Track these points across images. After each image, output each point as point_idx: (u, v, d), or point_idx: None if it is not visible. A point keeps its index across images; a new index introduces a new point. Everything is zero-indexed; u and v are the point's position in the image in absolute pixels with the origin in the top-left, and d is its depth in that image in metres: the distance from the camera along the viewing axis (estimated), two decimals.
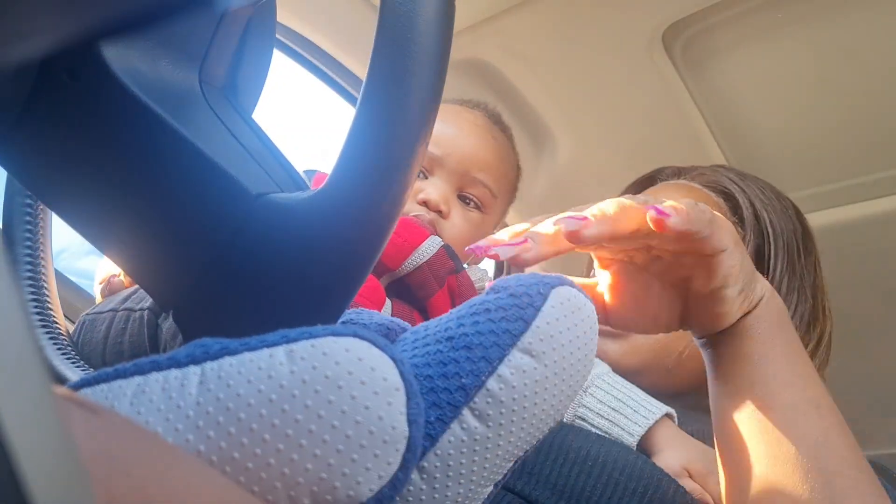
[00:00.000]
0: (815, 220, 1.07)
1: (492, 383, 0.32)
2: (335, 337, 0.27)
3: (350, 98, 1.13)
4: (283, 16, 1.01)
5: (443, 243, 0.71)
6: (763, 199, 0.78)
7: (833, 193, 1.05)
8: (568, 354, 0.34)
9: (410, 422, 0.28)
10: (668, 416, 0.64)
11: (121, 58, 0.34)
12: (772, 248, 0.74)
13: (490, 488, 0.34)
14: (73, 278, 1.16)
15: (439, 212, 0.76)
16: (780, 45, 0.91)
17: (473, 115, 0.83)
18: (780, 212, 0.77)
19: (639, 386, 0.67)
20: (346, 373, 0.27)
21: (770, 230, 0.75)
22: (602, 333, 0.72)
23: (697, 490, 0.58)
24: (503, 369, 0.33)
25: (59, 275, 0.51)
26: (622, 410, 0.62)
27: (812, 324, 0.75)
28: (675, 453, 0.61)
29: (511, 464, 0.35)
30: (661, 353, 0.72)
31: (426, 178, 0.78)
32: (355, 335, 0.28)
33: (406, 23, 0.32)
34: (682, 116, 1.04)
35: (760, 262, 0.74)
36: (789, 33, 0.90)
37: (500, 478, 0.34)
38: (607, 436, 0.61)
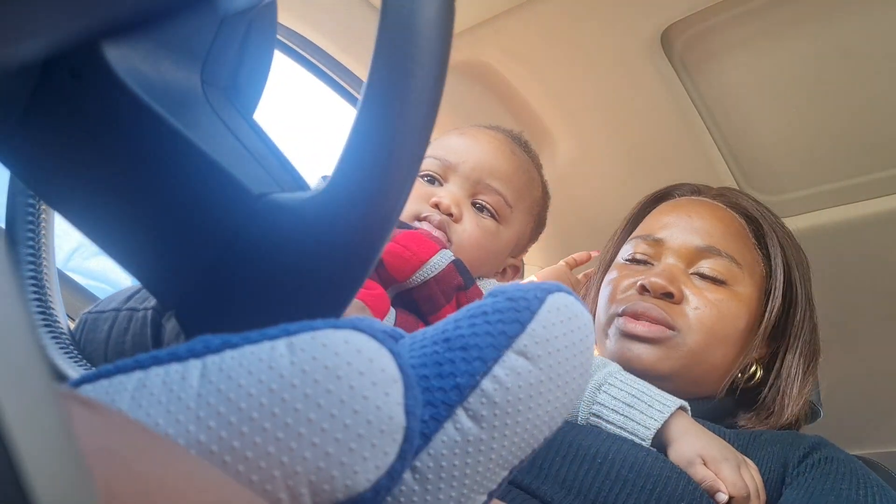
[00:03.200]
0: (814, 220, 1.08)
1: (486, 383, 0.33)
2: (335, 329, 0.28)
3: (351, 98, 1.14)
4: (285, 17, 1.01)
5: (453, 258, 0.70)
6: (779, 227, 0.82)
7: (832, 193, 1.05)
8: (563, 360, 0.34)
9: (408, 412, 0.28)
10: (682, 408, 0.65)
11: (123, 58, 0.34)
12: (797, 275, 0.78)
13: (484, 497, 0.34)
14: (82, 278, 1.17)
15: (450, 215, 0.76)
16: (778, 45, 0.92)
17: (493, 131, 0.84)
18: (792, 242, 0.81)
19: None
20: (346, 363, 0.27)
21: (794, 262, 0.79)
22: (637, 339, 0.73)
23: (709, 477, 0.59)
24: (498, 370, 0.33)
25: (61, 274, 0.51)
26: (637, 406, 0.63)
27: (817, 348, 0.78)
28: (689, 442, 0.61)
29: (506, 472, 0.35)
30: (693, 361, 0.73)
31: (441, 185, 0.79)
32: (354, 328, 0.28)
33: (407, 24, 0.32)
34: (681, 117, 1.04)
35: (789, 289, 0.77)
36: (788, 34, 0.90)
37: (494, 486, 0.34)
38: (622, 430, 0.62)
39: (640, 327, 0.74)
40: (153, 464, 0.21)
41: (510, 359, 0.33)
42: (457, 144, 0.80)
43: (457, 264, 0.70)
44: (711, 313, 0.74)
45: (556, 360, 0.34)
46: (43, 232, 0.46)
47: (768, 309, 0.76)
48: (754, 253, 0.79)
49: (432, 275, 0.68)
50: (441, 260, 0.69)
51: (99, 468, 0.19)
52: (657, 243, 0.80)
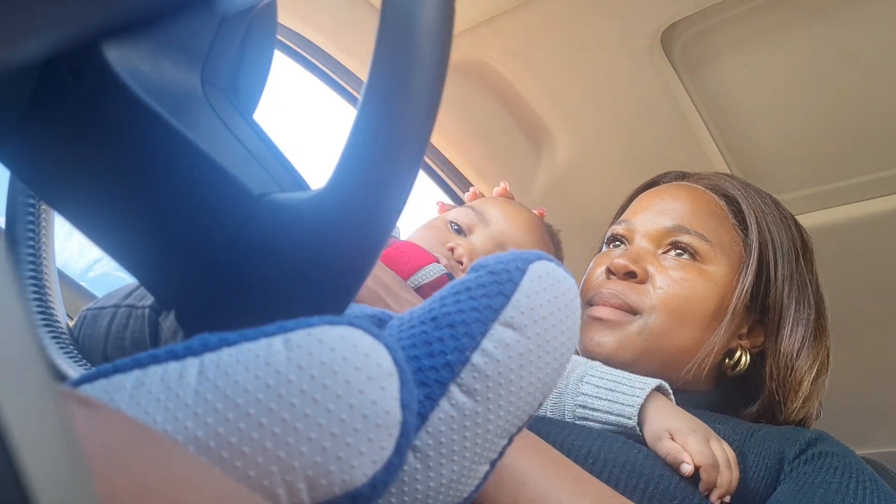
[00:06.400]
0: (813, 219, 1.08)
1: (476, 358, 0.33)
2: (331, 325, 0.28)
3: (351, 98, 1.14)
4: (284, 17, 1.01)
5: (446, 272, 0.72)
6: (764, 207, 0.78)
7: (831, 193, 1.06)
8: (550, 326, 0.35)
9: (404, 407, 0.28)
10: (660, 388, 0.65)
11: (123, 58, 0.35)
12: (774, 255, 0.75)
13: (486, 467, 0.35)
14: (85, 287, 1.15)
15: (461, 263, 0.78)
16: (778, 46, 0.92)
17: (533, 217, 0.87)
18: (780, 221, 0.78)
19: None
20: (341, 359, 0.27)
21: (771, 239, 0.76)
22: (600, 324, 0.72)
23: (675, 450, 0.58)
24: (486, 344, 0.33)
25: (61, 274, 0.51)
26: (619, 389, 0.63)
27: (818, 333, 0.75)
28: (659, 419, 0.61)
29: (505, 441, 0.35)
30: (657, 343, 0.72)
31: (465, 236, 0.81)
32: (350, 324, 0.28)
33: (407, 24, 0.32)
34: (680, 117, 1.04)
35: (763, 269, 0.75)
36: (787, 34, 0.90)
37: (495, 456, 0.35)
38: (609, 414, 0.62)
39: (602, 310, 0.73)
40: (152, 462, 0.21)
41: (497, 331, 0.34)
42: (497, 210, 0.83)
43: (451, 277, 0.71)
44: (675, 292, 0.72)
45: (542, 328, 0.35)
46: (43, 232, 0.46)
47: (738, 289, 0.74)
48: (732, 233, 0.77)
49: (426, 281, 0.69)
50: (434, 270, 0.70)
51: (98, 467, 0.19)
52: (631, 228, 0.79)
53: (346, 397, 0.27)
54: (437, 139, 1.24)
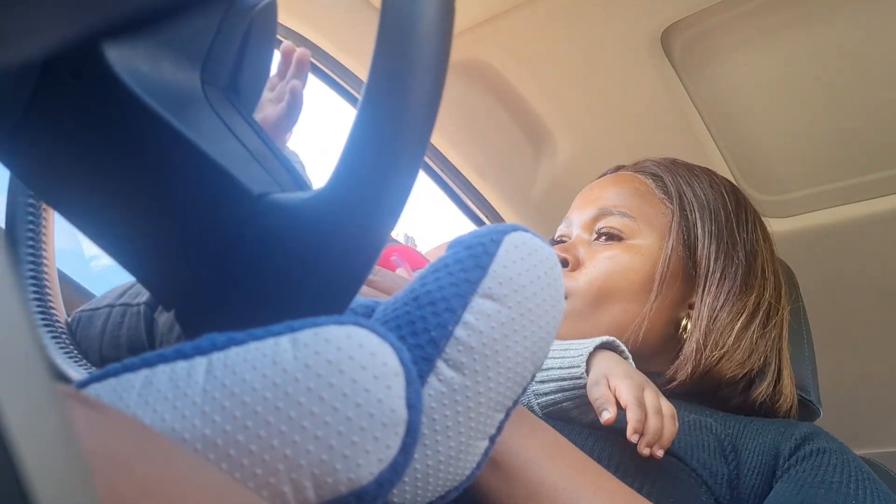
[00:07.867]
0: (813, 219, 1.08)
1: (459, 331, 0.33)
2: (338, 325, 0.28)
3: (351, 98, 1.14)
4: (285, 17, 1.02)
5: None
6: (690, 177, 0.81)
7: (831, 193, 1.06)
8: (531, 295, 0.35)
9: (409, 406, 0.28)
10: (612, 345, 0.65)
11: (123, 58, 0.35)
12: (696, 216, 0.77)
13: (485, 443, 0.35)
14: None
15: None
16: (778, 46, 0.92)
17: None
18: (710, 187, 0.80)
19: None
20: (348, 358, 0.28)
21: (697, 204, 0.78)
22: None
23: (604, 396, 0.57)
24: (467, 316, 0.34)
25: (61, 274, 0.51)
26: (571, 347, 0.64)
27: (745, 286, 0.75)
28: (602, 367, 0.61)
29: (501, 415, 0.35)
30: (588, 323, 0.73)
31: None
32: (356, 324, 0.28)
33: (407, 24, 0.32)
34: (680, 117, 1.04)
35: (689, 233, 0.77)
36: (787, 34, 0.90)
37: (493, 431, 0.35)
38: (561, 370, 0.62)
39: None
40: (154, 464, 0.21)
41: (478, 303, 0.34)
42: None
43: None
44: (601, 270, 0.74)
45: (523, 297, 0.35)
46: (43, 232, 0.46)
47: (663, 255, 0.75)
48: (659, 206, 0.79)
49: None
50: None
51: (100, 468, 0.19)
52: (569, 224, 0.83)
53: (352, 396, 0.27)
54: (437, 139, 1.24)
